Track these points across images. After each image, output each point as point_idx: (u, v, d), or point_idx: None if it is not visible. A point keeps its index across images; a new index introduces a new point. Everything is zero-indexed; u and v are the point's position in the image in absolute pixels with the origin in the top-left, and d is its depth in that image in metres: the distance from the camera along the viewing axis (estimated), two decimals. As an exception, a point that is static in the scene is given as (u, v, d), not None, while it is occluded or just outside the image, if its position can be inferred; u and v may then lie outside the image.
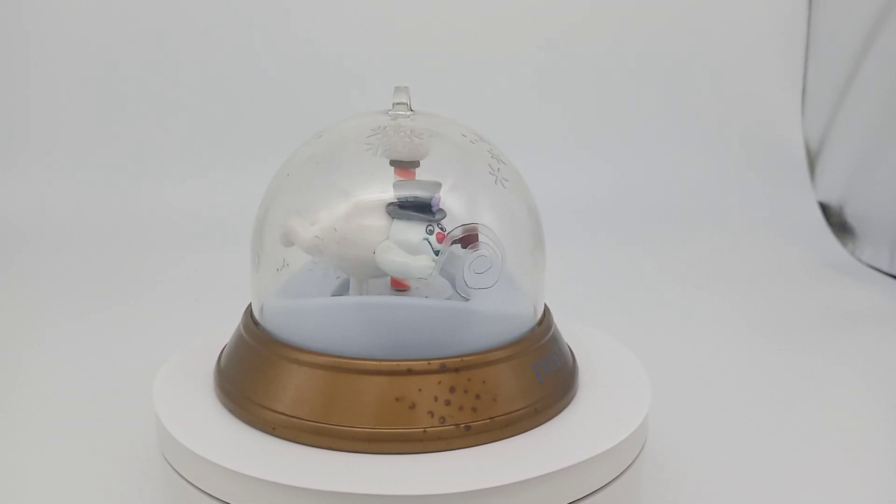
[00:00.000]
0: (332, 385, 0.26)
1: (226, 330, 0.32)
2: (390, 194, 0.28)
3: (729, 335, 0.54)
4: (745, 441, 0.39)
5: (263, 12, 0.86)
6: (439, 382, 0.26)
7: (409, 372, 0.26)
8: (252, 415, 0.26)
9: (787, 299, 0.62)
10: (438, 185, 0.28)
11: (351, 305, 0.28)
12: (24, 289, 0.63)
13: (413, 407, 0.25)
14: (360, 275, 0.29)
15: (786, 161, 0.90)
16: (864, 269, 0.73)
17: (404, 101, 0.30)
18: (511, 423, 0.26)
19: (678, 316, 0.58)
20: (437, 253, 0.27)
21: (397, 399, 0.25)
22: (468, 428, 0.25)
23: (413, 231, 0.27)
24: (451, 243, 0.27)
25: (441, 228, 0.27)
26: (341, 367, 0.26)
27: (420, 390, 0.25)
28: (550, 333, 0.30)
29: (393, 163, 0.29)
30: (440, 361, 0.26)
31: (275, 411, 0.26)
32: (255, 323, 0.30)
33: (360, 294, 0.29)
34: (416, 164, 0.29)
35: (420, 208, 0.27)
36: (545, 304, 0.32)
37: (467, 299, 0.27)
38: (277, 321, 0.29)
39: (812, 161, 0.90)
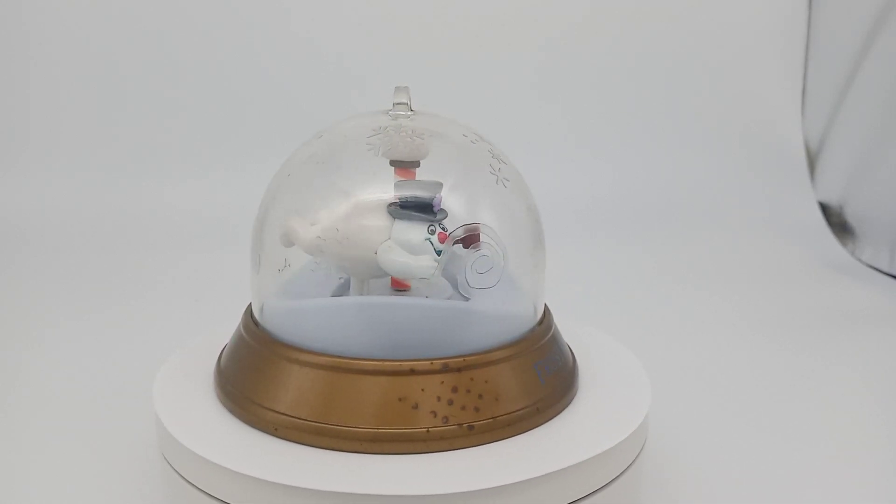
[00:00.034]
0: (334, 385, 0.26)
1: (226, 330, 0.32)
2: (392, 194, 0.28)
3: (729, 335, 0.54)
4: (745, 441, 0.39)
5: (263, 12, 0.86)
6: (442, 382, 0.26)
7: (412, 372, 0.26)
8: (252, 415, 0.26)
9: (787, 299, 0.62)
10: (440, 186, 0.28)
11: (352, 305, 0.28)
12: (24, 289, 0.63)
13: (416, 407, 0.25)
14: (362, 275, 0.29)
15: (786, 161, 0.90)
16: (864, 269, 0.73)
17: (405, 101, 0.30)
18: (513, 423, 0.26)
19: (678, 316, 0.58)
20: (438, 253, 0.27)
21: (400, 399, 0.25)
22: (471, 428, 0.25)
23: (415, 231, 0.27)
24: (453, 243, 0.27)
25: (442, 228, 0.27)
26: (343, 368, 0.26)
27: (423, 390, 0.25)
28: (551, 333, 0.30)
29: (393, 163, 0.29)
30: (443, 361, 0.26)
31: (276, 411, 0.26)
32: (256, 323, 0.30)
33: (361, 294, 0.29)
34: (416, 164, 0.29)
35: (422, 208, 0.27)
36: (545, 304, 0.32)
37: (467, 299, 0.27)
38: (278, 321, 0.29)
39: (812, 161, 0.90)
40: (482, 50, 0.88)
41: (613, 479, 0.26)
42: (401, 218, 0.27)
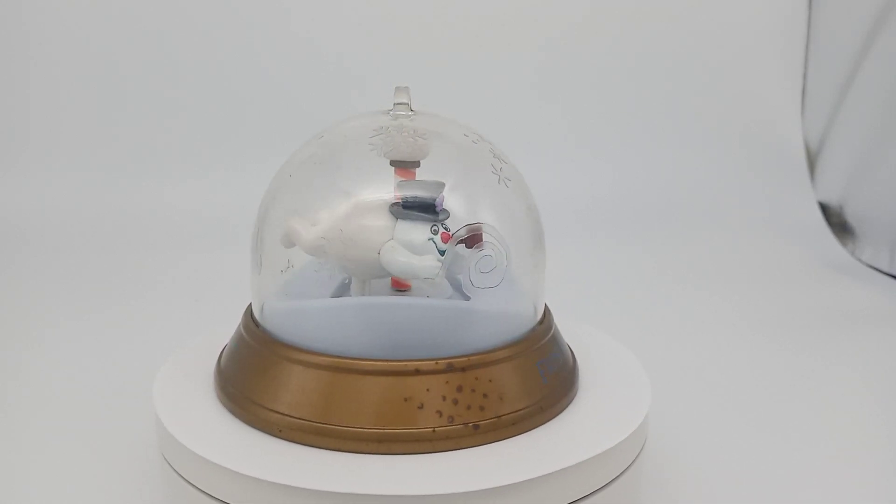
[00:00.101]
0: (338, 386, 0.26)
1: (226, 330, 0.32)
2: (394, 194, 0.28)
3: (729, 335, 0.54)
4: (745, 441, 0.39)
5: (263, 12, 0.86)
6: (447, 382, 0.26)
7: (417, 372, 0.26)
8: (253, 415, 0.26)
9: (787, 299, 0.62)
10: (442, 185, 0.28)
11: (354, 306, 0.28)
12: (24, 289, 0.63)
13: (422, 407, 0.25)
14: (363, 275, 0.29)
15: (786, 161, 0.90)
16: (864, 269, 0.73)
17: (405, 101, 0.30)
18: (517, 422, 0.26)
19: (678, 316, 0.58)
20: (441, 253, 0.27)
21: (406, 399, 0.25)
22: (476, 427, 0.25)
23: (417, 231, 0.27)
24: (457, 243, 0.27)
25: (445, 228, 0.27)
26: (347, 368, 0.26)
27: (428, 390, 0.25)
28: (551, 333, 0.30)
29: (393, 163, 0.29)
30: (447, 361, 0.26)
31: (277, 412, 0.26)
32: (256, 324, 0.30)
33: (363, 294, 0.29)
34: (416, 164, 0.29)
35: (424, 208, 0.27)
36: (545, 304, 0.32)
37: (468, 299, 0.27)
38: (278, 321, 0.28)
39: (812, 161, 0.90)
40: (482, 50, 0.88)
41: (613, 479, 0.26)
42: (403, 218, 0.27)
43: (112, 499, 0.32)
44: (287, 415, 0.26)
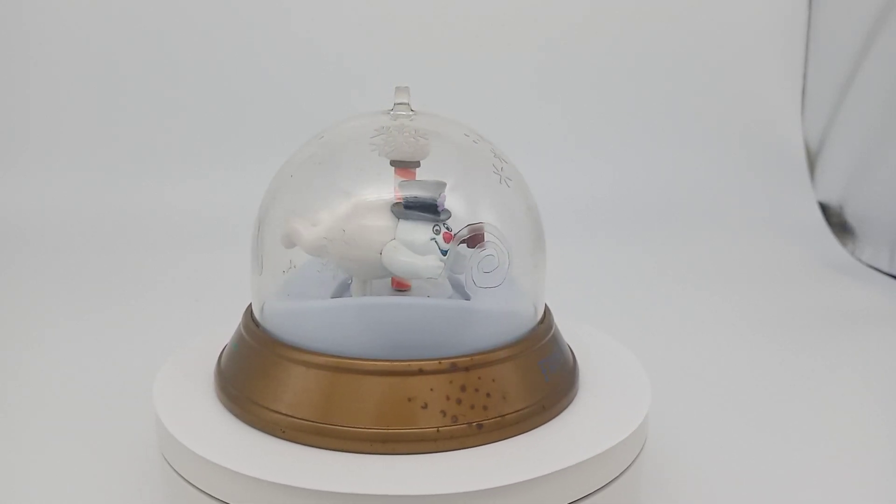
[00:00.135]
0: (339, 386, 0.26)
1: (226, 330, 0.32)
2: (395, 194, 0.28)
3: (729, 335, 0.54)
4: (745, 441, 0.39)
5: (263, 12, 0.86)
6: (450, 381, 0.26)
7: (421, 372, 0.25)
8: (254, 415, 0.26)
9: (787, 299, 0.62)
10: (443, 185, 0.28)
11: (355, 306, 0.28)
12: (24, 289, 0.63)
13: (425, 407, 0.25)
14: (365, 275, 0.29)
15: (786, 161, 0.90)
16: (864, 269, 0.73)
17: (405, 101, 0.30)
18: (520, 421, 0.26)
19: (678, 316, 0.58)
20: (444, 253, 0.27)
21: (409, 399, 0.25)
22: (480, 426, 0.25)
23: (419, 231, 0.27)
24: (459, 243, 0.27)
25: (447, 228, 0.27)
26: (349, 368, 0.26)
27: (431, 390, 0.25)
28: (552, 332, 0.30)
29: (394, 163, 0.29)
30: (450, 361, 0.26)
31: (280, 413, 0.26)
32: (256, 324, 0.30)
33: (364, 294, 0.29)
34: (416, 164, 0.29)
35: (426, 208, 0.27)
36: (546, 304, 0.32)
37: (468, 298, 0.27)
38: (279, 322, 0.28)
39: (812, 161, 0.90)
40: (482, 50, 0.88)
41: (613, 479, 0.26)
42: (405, 218, 0.27)
43: (112, 499, 0.32)
44: (288, 415, 0.26)
